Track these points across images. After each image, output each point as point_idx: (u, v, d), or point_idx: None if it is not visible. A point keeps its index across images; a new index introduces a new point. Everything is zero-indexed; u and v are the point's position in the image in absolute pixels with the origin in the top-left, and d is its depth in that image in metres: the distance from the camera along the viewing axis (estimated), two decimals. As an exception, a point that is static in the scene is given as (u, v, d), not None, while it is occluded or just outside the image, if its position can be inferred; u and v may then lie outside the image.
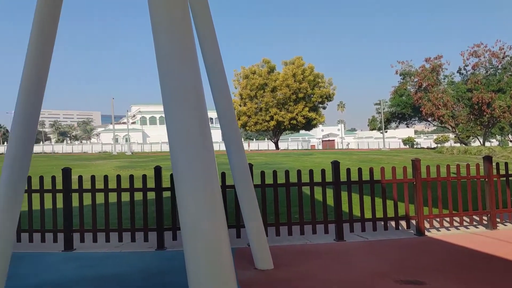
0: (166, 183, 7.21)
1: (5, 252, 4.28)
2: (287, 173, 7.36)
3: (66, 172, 6.99)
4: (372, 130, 69.58)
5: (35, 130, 4.42)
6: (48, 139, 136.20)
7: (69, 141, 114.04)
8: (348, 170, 7.56)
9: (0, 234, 4.22)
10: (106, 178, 7.14)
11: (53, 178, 7.17)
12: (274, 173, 7.32)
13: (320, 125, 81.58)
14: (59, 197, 7.03)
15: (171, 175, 6.85)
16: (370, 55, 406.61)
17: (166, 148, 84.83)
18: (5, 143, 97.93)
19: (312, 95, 62.93)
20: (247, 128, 64.10)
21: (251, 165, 6.18)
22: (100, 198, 7.08)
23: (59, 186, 7.06)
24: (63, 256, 6.54)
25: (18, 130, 4.24)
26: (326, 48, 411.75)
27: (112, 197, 7.09)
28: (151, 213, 7.24)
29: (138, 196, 7.15)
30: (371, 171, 7.61)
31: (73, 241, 6.94)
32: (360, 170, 7.50)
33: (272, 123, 62.45)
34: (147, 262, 6.15)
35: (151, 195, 7.07)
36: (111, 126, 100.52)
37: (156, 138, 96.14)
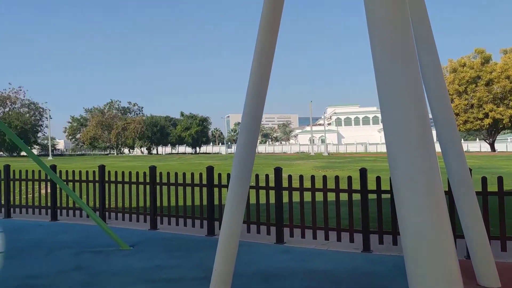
0: (370, 186, 7.09)
1: (234, 240, 4.88)
2: (500, 179, 6.29)
3: (278, 171, 7.57)
4: None
5: (258, 132, 4.91)
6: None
7: (270, 142, 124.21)
8: None
9: (230, 225, 4.84)
10: (313, 178, 7.46)
11: (267, 176, 7.87)
12: (484, 179, 6.37)
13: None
14: (271, 193, 7.67)
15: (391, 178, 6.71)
16: None
17: (361, 149, 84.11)
18: (220, 144, 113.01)
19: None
20: (455, 127, 58.13)
21: (470, 169, 5.53)
22: (306, 196, 7.45)
23: (271, 183, 7.70)
24: (275, 248, 7.11)
25: (245, 133, 4.78)
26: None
27: (318, 196, 7.36)
28: (355, 214, 7.23)
29: (342, 197, 7.24)
30: None
31: (283, 235, 7.47)
32: None
33: (487, 121, 55.18)
34: (353, 262, 6.18)
35: (355, 197, 7.07)
36: (307, 128, 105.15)
37: (351, 139, 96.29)
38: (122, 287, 5.12)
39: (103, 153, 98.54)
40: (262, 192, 7.83)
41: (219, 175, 8.30)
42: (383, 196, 6.89)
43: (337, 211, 7.16)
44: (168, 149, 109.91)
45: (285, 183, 7.66)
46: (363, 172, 6.98)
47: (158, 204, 8.91)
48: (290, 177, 7.67)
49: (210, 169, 8.35)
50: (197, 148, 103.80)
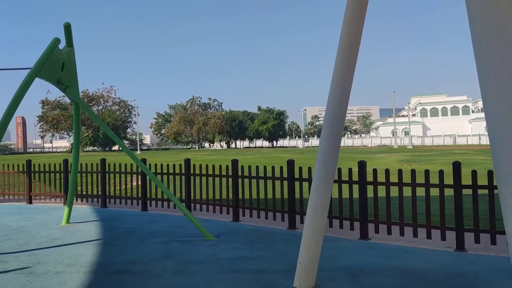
0: (465, 181, 6.59)
1: (319, 234, 4.82)
2: None
3: (362, 165, 7.33)
4: None
5: (343, 124, 4.78)
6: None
7: (349, 135, 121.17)
8: None
9: (315, 219, 4.78)
10: (400, 172, 7.11)
11: (350, 170, 7.66)
12: None
13: None
14: (355, 188, 7.46)
15: (488, 172, 6.22)
16: None
17: (449, 141, 78.90)
18: (296, 137, 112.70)
19: None
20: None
21: None
22: (393, 191, 7.13)
23: (355, 177, 7.48)
24: (360, 244, 6.90)
25: (330, 125, 4.67)
26: None
27: (405, 192, 7.01)
28: (448, 210, 6.77)
29: (433, 192, 6.81)
30: None
31: (368, 230, 7.23)
32: None
33: None
34: (446, 261, 5.80)
35: (448, 192, 6.62)
36: (389, 120, 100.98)
37: (438, 130, 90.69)
38: (210, 276, 5.28)
39: (185, 147, 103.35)
40: (345, 186, 7.64)
41: (300, 168, 8.24)
42: (479, 191, 6.37)
43: (426, 207, 6.77)
44: (245, 143, 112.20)
45: (369, 177, 7.41)
46: (456, 166, 6.50)
47: (240, 196, 9.09)
48: (375, 171, 7.39)
49: (290, 163, 8.33)
50: (274, 142, 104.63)
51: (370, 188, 7.36)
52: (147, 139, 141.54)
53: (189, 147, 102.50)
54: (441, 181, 6.69)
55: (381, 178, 7.32)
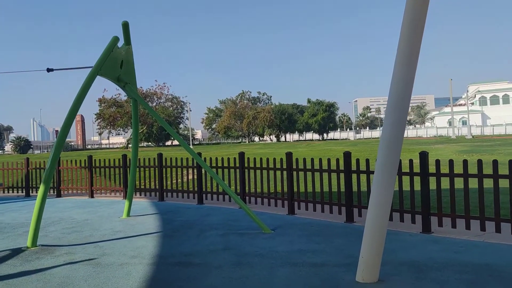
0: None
1: (381, 227, 4.64)
2: None
3: (424, 156, 7.00)
4: None
5: (406, 113, 4.55)
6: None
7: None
8: None
9: (377, 212, 4.61)
10: (465, 162, 6.73)
11: (411, 161, 7.35)
12: None
13: None
14: (416, 179, 7.14)
15: None
16: None
17: (511, 130, 74.14)
18: (347, 129, 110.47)
19: None
20: None
21: None
22: (456, 183, 6.77)
23: (416, 169, 7.16)
24: (422, 237, 6.61)
25: (393, 114, 4.47)
26: None
27: (471, 183, 6.63)
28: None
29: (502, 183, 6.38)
30: None
31: (430, 224, 6.91)
32: None
33: None
34: (520, 258, 5.41)
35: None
36: (445, 109, 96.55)
37: (499, 119, 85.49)
38: (270, 269, 5.26)
39: (235, 141, 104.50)
40: (406, 178, 7.35)
41: (357, 160, 8.02)
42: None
43: (495, 199, 6.35)
44: (295, 136, 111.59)
45: (430, 169, 7.06)
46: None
47: (295, 189, 9.01)
48: (438, 162, 7.03)
49: (347, 155, 8.12)
50: (324, 135, 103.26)
51: (432, 180, 7.03)
52: (198, 134, 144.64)
53: (239, 141, 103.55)
54: (511, 171, 6.24)
55: (443, 169, 6.97)
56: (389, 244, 5.88)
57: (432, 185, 7.04)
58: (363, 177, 8.01)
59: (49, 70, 8.09)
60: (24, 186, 14.32)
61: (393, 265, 5.21)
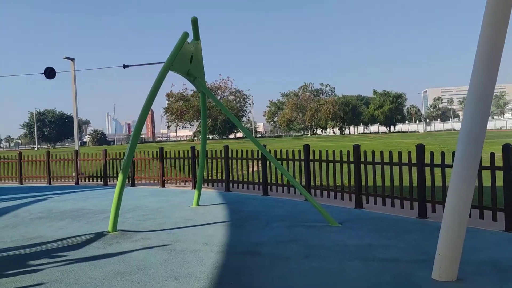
0: None
1: (461, 224, 4.39)
2: None
3: (507, 149, 6.50)
4: None
5: (489, 104, 4.26)
6: (457, 116, 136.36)
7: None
8: None
9: (457, 207, 4.37)
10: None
11: (492, 154, 6.88)
12: None
13: None
14: (498, 174, 6.67)
15: None
16: None
17: None
18: (416, 121, 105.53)
19: None
20: None
21: None
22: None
23: (498, 163, 6.70)
24: (506, 236, 6.19)
25: (474, 103, 4.20)
26: None
27: None
28: None
29: None
30: None
31: (514, 222, 6.43)
32: None
33: None
34: None
35: None
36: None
37: None
38: (339, 262, 5.19)
39: (297, 134, 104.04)
40: (486, 173, 6.88)
41: (431, 153, 7.65)
42: None
43: None
44: (360, 129, 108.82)
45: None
46: None
47: (363, 183, 8.79)
48: (523, 155, 6.50)
49: (420, 147, 7.77)
50: (391, 127, 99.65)
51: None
52: (260, 127, 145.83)
53: (301, 134, 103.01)
54: None
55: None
56: (468, 242, 5.55)
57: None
58: (438, 170, 7.63)
59: (125, 66, 8.55)
60: (102, 175, 15.31)
61: (474, 264, 4.92)
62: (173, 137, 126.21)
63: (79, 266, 5.35)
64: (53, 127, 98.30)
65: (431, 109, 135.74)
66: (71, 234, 7.22)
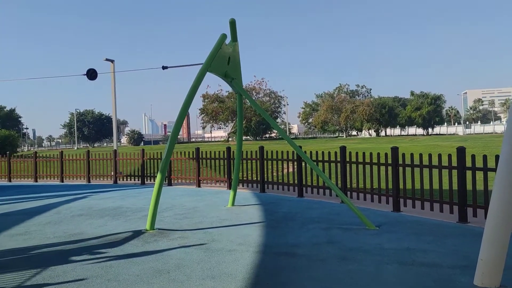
0: None
1: (505, 228, 4.23)
2: None
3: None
4: None
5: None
6: (498, 118, 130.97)
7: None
8: None
9: (501, 211, 4.22)
10: None
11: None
12: None
13: None
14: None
15: None
16: None
17: None
18: (456, 124, 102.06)
19: None
20: None
21: None
22: None
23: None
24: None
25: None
26: None
27: None
28: None
29: None
30: None
31: None
32: None
33: None
34: None
35: None
36: None
37: None
38: (377, 266, 5.12)
39: (332, 135, 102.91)
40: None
41: (473, 156, 7.41)
42: None
43: None
44: (397, 131, 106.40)
45: None
46: None
47: (401, 186, 8.61)
48: None
49: (461, 150, 7.54)
50: (429, 129, 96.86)
51: None
52: (294, 128, 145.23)
53: (336, 135, 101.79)
54: None
55: None
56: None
57: None
58: (480, 174, 7.38)
59: (164, 67, 8.75)
60: (140, 175, 15.72)
61: (518, 272, 4.73)
62: (208, 138, 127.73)
63: (118, 263, 5.52)
64: (92, 127, 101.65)
65: (471, 111, 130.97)
66: (110, 231, 7.47)
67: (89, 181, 16.76)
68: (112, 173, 16.55)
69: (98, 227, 7.90)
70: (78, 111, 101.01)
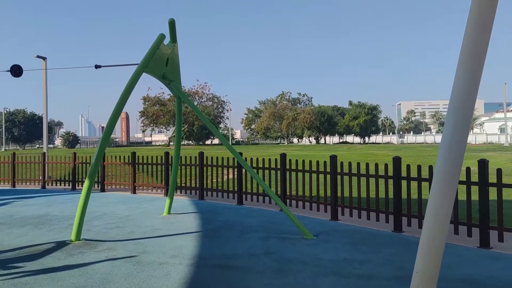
0: None
1: (439, 240, 4.25)
2: None
3: (483, 164, 6.48)
4: None
5: (470, 116, 4.15)
6: (428, 129, 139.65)
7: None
8: None
9: (435, 223, 4.22)
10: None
11: (468, 169, 6.83)
12: None
13: None
14: (473, 189, 6.63)
15: None
16: None
17: None
18: (390, 133, 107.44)
19: None
20: None
21: None
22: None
23: (473, 178, 6.66)
24: (480, 253, 6.11)
25: (455, 115, 4.07)
26: None
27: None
28: None
29: None
30: None
31: (489, 238, 6.38)
32: None
33: None
34: None
35: None
36: (496, 115, 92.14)
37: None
38: (314, 278, 4.99)
39: (274, 142, 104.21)
40: (461, 188, 6.83)
41: (408, 166, 7.58)
42: None
43: None
44: (335, 139, 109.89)
45: (490, 179, 6.52)
46: None
47: (339, 194, 8.65)
48: (499, 171, 6.48)
49: (397, 160, 7.69)
50: (366, 138, 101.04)
51: (491, 191, 6.49)
52: (237, 134, 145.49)
53: (278, 142, 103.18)
54: None
55: (508, 179, 6.43)
56: (444, 258, 5.44)
57: (491, 196, 6.50)
58: (414, 184, 7.56)
59: (97, 66, 8.20)
60: (70, 179, 14.72)
61: (451, 282, 4.80)
62: (148, 141, 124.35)
63: (35, 279, 4.96)
64: (23, 127, 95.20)
65: (404, 122, 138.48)
66: (30, 242, 6.79)
67: (14, 186, 15.46)
68: (41, 178, 15.38)
69: (17, 237, 7.16)
70: (7, 110, 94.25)
